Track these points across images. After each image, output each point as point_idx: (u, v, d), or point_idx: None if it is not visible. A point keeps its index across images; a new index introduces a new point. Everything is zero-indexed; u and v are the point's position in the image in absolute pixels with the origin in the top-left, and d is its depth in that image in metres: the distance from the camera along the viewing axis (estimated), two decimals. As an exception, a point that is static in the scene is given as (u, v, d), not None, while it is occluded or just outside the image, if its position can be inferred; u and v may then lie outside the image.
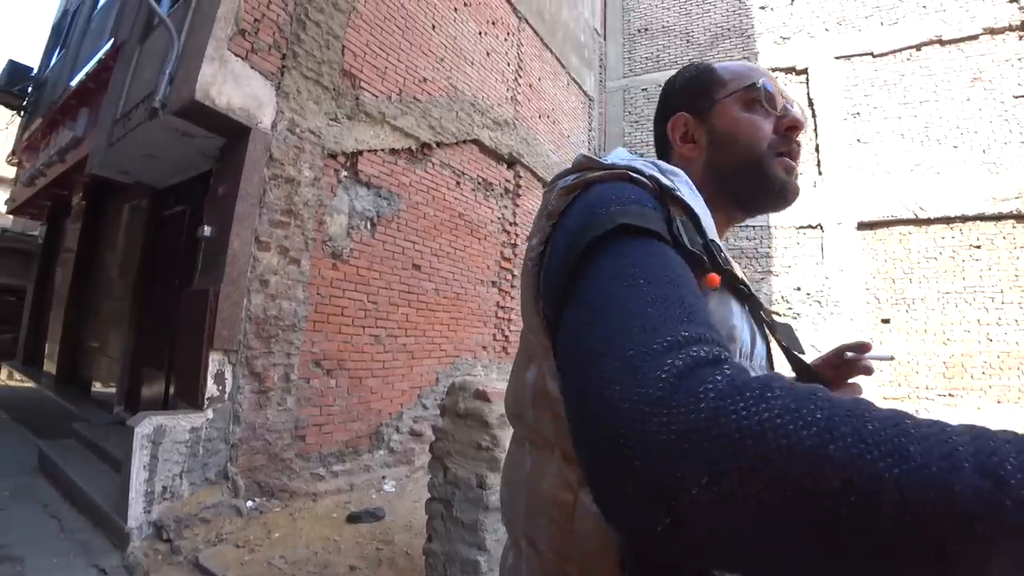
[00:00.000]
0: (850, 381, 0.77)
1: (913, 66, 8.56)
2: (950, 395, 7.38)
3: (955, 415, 7.15)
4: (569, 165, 0.68)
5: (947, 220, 7.89)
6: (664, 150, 0.82)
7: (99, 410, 5.62)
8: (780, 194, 0.73)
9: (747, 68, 0.77)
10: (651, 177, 0.61)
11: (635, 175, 0.61)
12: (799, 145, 0.74)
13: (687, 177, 0.66)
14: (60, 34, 9.99)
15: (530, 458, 0.66)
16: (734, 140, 0.73)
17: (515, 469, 0.70)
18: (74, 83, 6.73)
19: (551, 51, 8.27)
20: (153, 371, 4.93)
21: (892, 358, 0.98)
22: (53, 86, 8.83)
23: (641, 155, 0.69)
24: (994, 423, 6.67)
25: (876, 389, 7.58)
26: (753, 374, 0.38)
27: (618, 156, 0.69)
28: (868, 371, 0.76)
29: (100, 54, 6.04)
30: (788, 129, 0.72)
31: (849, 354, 0.76)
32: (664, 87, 0.85)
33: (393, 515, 3.77)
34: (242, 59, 3.88)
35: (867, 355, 0.75)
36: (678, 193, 0.60)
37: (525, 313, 0.67)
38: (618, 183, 0.60)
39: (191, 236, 4.42)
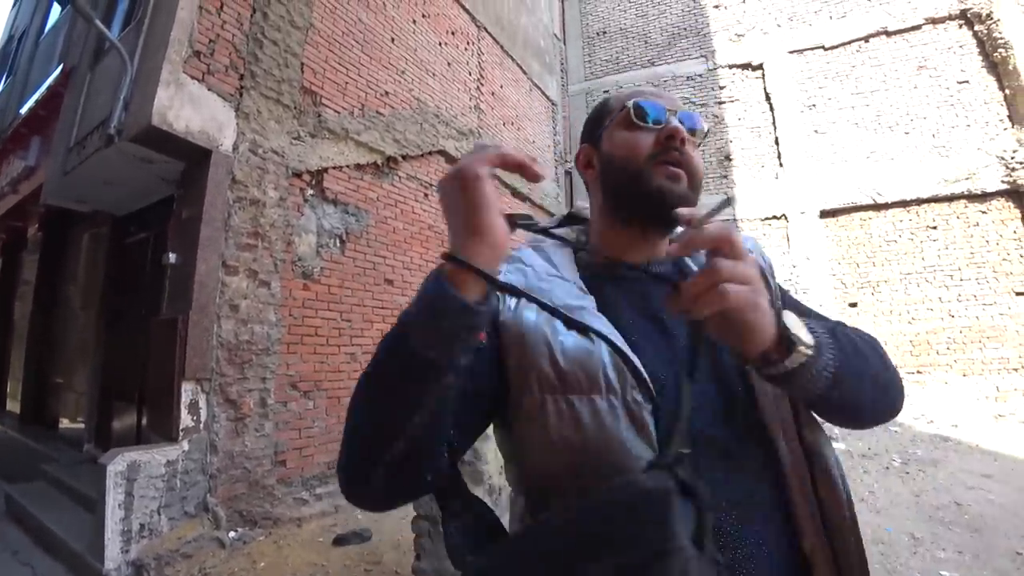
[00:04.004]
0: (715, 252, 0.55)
1: (863, 57, 8.86)
2: (918, 372, 7.62)
3: (924, 392, 7.39)
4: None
5: (904, 204, 8.17)
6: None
7: (68, 448, 5.43)
8: (659, 200, 0.70)
9: (632, 92, 0.79)
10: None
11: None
12: (682, 152, 0.72)
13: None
14: (6, 60, 9.68)
15: None
16: (614, 157, 0.76)
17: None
18: (23, 111, 6.51)
19: (512, 58, 8.32)
20: (123, 404, 4.79)
21: (727, 200, 0.65)
22: (1, 115, 8.54)
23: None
24: (961, 397, 6.91)
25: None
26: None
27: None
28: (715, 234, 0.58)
29: (49, 80, 5.87)
30: (667, 138, 0.72)
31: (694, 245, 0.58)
32: None
33: (380, 535, 3.73)
34: (199, 81, 3.81)
35: (704, 222, 0.55)
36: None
37: None
38: None
39: (156, 263, 4.32)
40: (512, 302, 0.68)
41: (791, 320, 0.57)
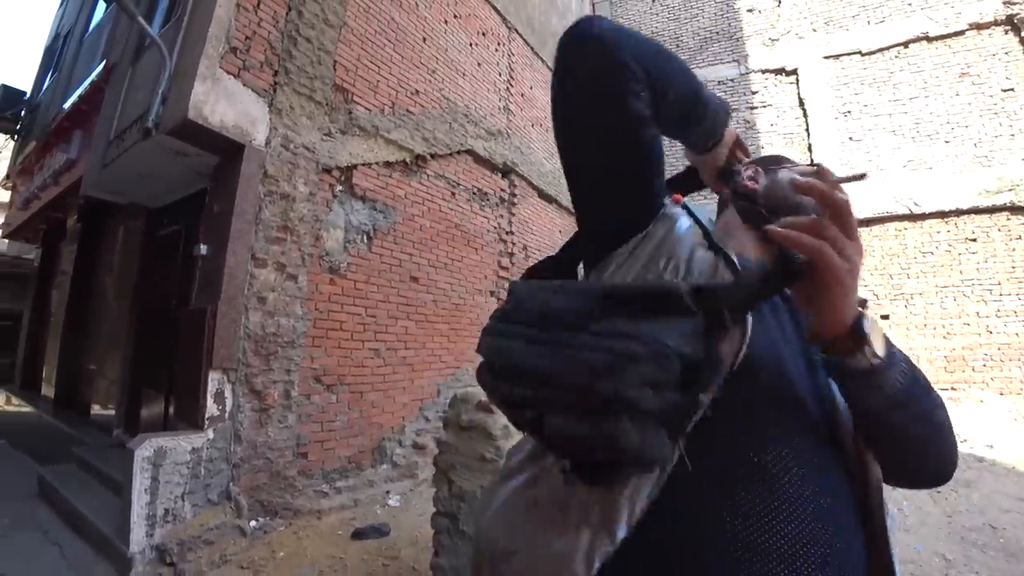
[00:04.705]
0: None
1: (901, 63, 8.63)
2: (952, 388, 7.37)
3: (958, 409, 7.14)
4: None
5: (942, 214, 7.92)
6: None
7: (99, 433, 5.58)
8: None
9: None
10: None
11: None
12: None
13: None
14: (52, 57, 10.02)
15: None
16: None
17: None
18: (67, 105, 6.73)
19: (542, 60, 8.31)
20: (152, 392, 4.90)
21: (862, 175, 0.89)
22: (46, 109, 8.84)
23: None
24: (998, 416, 6.66)
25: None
26: None
27: None
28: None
29: (92, 76, 6.05)
30: None
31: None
32: None
33: (398, 530, 3.74)
34: (234, 77, 3.88)
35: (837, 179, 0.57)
36: None
37: None
38: None
39: (187, 255, 4.41)
40: None
41: (870, 323, 0.58)
